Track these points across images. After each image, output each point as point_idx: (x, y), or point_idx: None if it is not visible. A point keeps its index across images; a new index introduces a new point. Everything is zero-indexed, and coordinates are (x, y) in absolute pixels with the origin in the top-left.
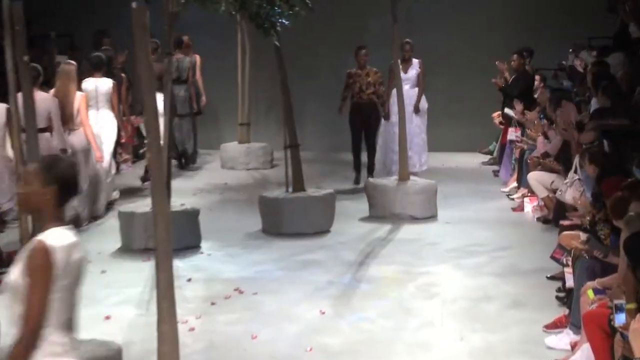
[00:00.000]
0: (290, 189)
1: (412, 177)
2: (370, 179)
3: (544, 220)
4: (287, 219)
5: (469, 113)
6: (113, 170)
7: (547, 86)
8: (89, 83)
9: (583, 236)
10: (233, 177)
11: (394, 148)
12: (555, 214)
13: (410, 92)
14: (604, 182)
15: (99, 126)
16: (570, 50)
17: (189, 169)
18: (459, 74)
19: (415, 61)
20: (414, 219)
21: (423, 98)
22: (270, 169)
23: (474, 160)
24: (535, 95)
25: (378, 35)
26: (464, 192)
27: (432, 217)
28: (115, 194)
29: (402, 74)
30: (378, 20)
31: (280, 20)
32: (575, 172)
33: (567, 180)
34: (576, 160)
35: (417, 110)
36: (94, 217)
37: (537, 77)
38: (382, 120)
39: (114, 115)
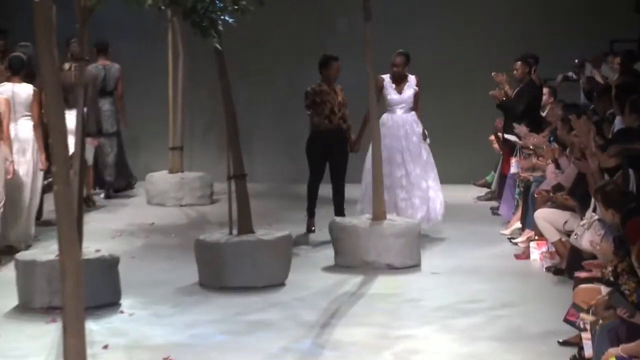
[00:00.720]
0: (235, 231)
1: (389, 216)
2: (337, 219)
3: (555, 270)
4: (231, 269)
5: (461, 136)
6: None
7: (559, 101)
8: (6, 88)
9: (604, 291)
10: (162, 215)
11: (400, 194)
12: (569, 263)
13: (404, 117)
14: (627, 224)
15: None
16: (577, 61)
17: (115, 197)
18: (447, 87)
19: (411, 78)
20: (392, 269)
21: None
22: (210, 205)
23: (467, 194)
24: (544, 113)
25: (347, 39)
26: (454, 234)
27: (415, 266)
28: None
29: (393, 96)
30: (347, 19)
31: (222, 17)
32: (595, 210)
33: (584, 222)
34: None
35: (424, 136)
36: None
37: (545, 91)
38: (369, 157)
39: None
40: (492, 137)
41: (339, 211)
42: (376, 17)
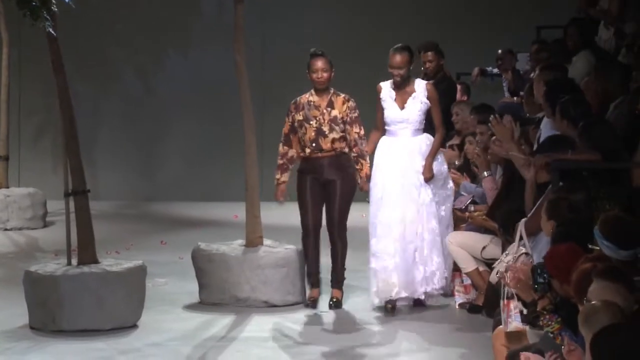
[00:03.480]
0: (75, 261)
1: (266, 242)
2: (202, 244)
3: (470, 307)
4: (70, 308)
5: None
6: None
7: (461, 102)
8: None
9: (530, 334)
10: None
11: (421, 256)
12: (487, 298)
13: (412, 142)
14: (550, 250)
15: None
16: (499, 52)
17: None
18: (348, 88)
19: (419, 85)
20: (270, 307)
21: (440, 155)
22: (42, 229)
23: (362, 215)
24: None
25: (215, 23)
26: (351, 261)
27: (297, 303)
28: None
29: (391, 111)
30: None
31: None
32: (521, 240)
33: (508, 257)
34: (521, 225)
35: (428, 176)
36: None
37: (457, 88)
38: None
39: None
40: None
41: (337, 280)
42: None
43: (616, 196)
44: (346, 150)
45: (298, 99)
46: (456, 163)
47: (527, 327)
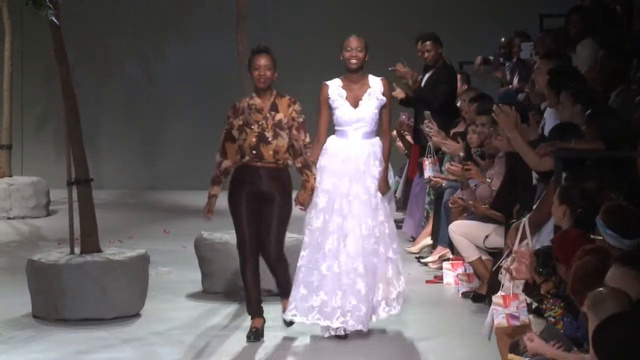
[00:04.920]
0: (78, 250)
1: None
2: (205, 233)
3: (473, 296)
4: (72, 297)
5: None
6: None
7: (470, 89)
8: None
9: (534, 323)
10: None
11: (353, 284)
12: (490, 287)
13: (362, 145)
14: (560, 235)
15: None
16: (503, 40)
17: None
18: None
19: (374, 81)
20: (274, 295)
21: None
22: (45, 218)
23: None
24: (458, 103)
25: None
26: None
27: None
28: None
29: (343, 110)
30: None
31: None
32: (524, 239)
33: (509, 257)
34: (525, 221)
35: (386, 190)
36: None
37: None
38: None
39: None
40: (394, 133)
41: (284, 292)
42: None
43: (620, 186)
44: (290, 162)
45: (237, 103)
46: (460, 155)
47: (530, 317)
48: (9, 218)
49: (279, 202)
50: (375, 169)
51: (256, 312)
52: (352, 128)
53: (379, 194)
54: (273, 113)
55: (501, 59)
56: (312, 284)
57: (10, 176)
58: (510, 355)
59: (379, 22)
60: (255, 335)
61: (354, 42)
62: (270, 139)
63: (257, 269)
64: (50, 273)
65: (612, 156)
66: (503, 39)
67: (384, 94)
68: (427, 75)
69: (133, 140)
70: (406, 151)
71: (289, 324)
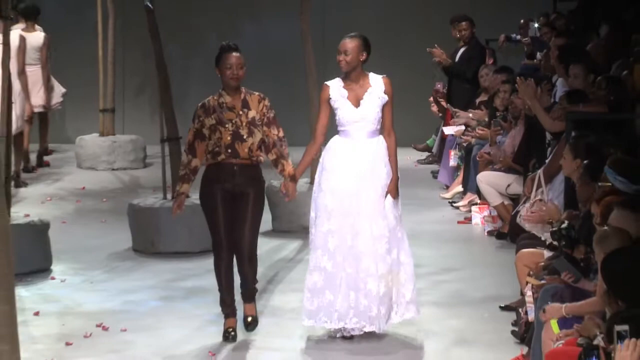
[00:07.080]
0: (169, 195)
1: None
2: (274, 182)
3: (497, 234)
4: (165, 234)
5: (401, 99)
6: None
7: (492, 64)
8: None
9: (547, 255)
10: (93, 179)
11: (364, 285)
12: (511, 227)
13: (366, 144)
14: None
15: None
16: (522, 21)
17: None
18: (385, 49)
19: (375, 80)
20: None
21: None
22: (143, 169)
23: (407, 157)
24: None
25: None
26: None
27: None
28: None
29: (344, 110)
30: None
31: None
32: (539, 187)
33: (526, 202)
34: (540, 173)
35: (394, 194)
36: None
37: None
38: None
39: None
40: (431, 99)
41: (248, 295)
42: None
43: (620, 143)
44: (262, 159)
45: (206, 101)
46: (485, 120)
47: (544, 250)
48: (113, 169)
49: (253, 198)
50: (381, 168)
51: (231, 312)
52: (355, 127)
53: (390, 197)
54: (246, 110)
55: (519, 36)
56: (320, 285)
57: (114, 135)
58: (528, 278)
59: (415, 7)
60: (233, 336)
61: (343, 45)
62: (245, 137)
63: (232, 270)
64: (147, 215)
65: (614, 118)
66: (522, 20)
67: (385, 92)
68: (461, 50)
69: None
70: (440, 114)
71: (252, 328)
